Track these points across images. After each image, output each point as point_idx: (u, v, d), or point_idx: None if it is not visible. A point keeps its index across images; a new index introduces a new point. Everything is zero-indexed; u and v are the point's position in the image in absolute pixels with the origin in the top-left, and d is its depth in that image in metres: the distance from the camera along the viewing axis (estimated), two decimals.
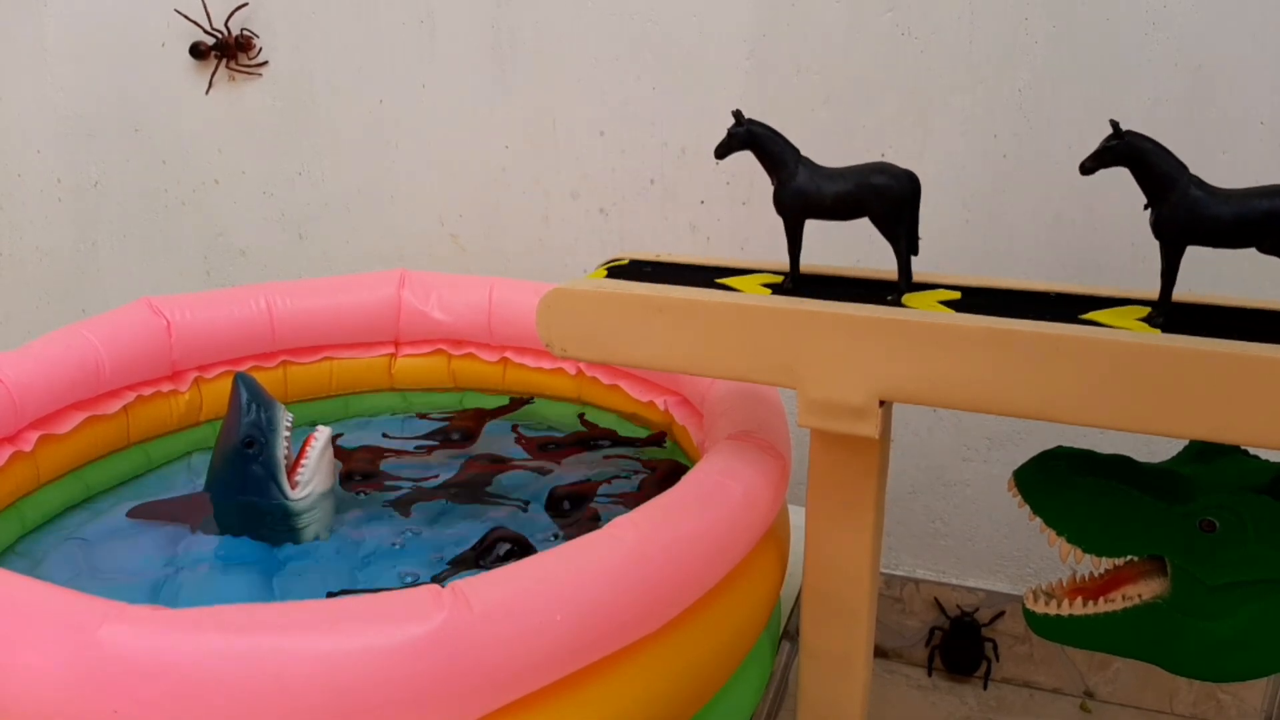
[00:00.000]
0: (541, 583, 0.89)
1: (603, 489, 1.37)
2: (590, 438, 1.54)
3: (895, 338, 1.00)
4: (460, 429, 1.55)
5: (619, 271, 1.20)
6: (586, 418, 1.60)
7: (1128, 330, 0.98)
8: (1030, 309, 1.04)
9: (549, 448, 1.51)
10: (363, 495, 1.37)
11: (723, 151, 1.15)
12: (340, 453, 1.48)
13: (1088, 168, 1.01)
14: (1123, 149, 0.99)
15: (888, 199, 1.09)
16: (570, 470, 1.43)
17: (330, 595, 1.16)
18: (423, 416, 1.61)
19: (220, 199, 2.03)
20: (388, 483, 1.39)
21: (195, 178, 2.03)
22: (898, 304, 1.07)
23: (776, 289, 1.13)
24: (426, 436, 1.53)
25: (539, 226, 1.85)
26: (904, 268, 1.12)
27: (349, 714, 0.81)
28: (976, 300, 1.09)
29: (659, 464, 1.43)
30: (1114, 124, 1.00)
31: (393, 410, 1.71)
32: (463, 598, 0.84)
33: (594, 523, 1.28)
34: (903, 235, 1.11)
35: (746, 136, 1.13)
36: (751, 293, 1.11)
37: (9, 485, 1.29)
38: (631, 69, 1.73)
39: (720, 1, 1.66)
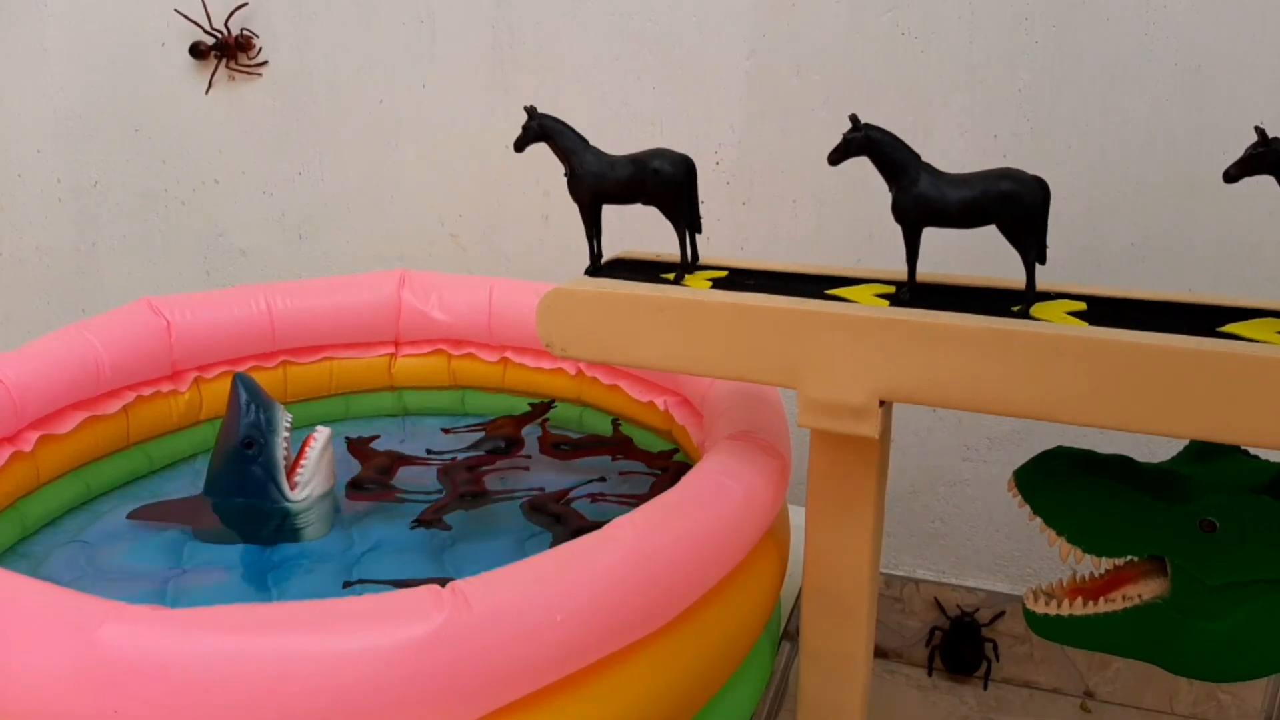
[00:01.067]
0: (541, 583, 0.89)
1: (601, 490, 1.38)
2: (603, 443, 1.53)
3: (895, 338, 1.00)
4: (503, 436, 1.52)
5: (722, 283, 1.16)
6: (621, 428, 1.58)
7: (1268, 343, 0.94)
8: (1162, 321, 1.00)
9: (562, 448, 1.50)
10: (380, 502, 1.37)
11: (837, 157, 1.10)
12: (361, 453, 1.48)
13: (1232, 175, 0.98)
14: (1272, 156, 0.96)
15: (1018, 207, 1.06)
16: (561, 475, 1.43)
17: (347, 585, 1.16)
18: (447, 431, 1.59)
19: (220, 199, 2.03)
20: (398, 495, 1.38)
21: (195, 178, 2.03)
22: (1026, 315, 1.03)
23: (893, 299, 1.09)
24: (472, 447, 1.51)
25: (539, 226, 1.85)
26: (1032, 278, 1.08)
27: (349, 714, 0.81)
28: (1104, 311, 1.05)
29: (671, 465, 1.43)
30: (1259, 130, 0.97)
31: (393, 411, 1.71)
32: (463, 598, 0.84)
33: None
34: (1033, 244, 1.07)
35: (864, 141, 1.09)
36: (866, 304, 1.07)
37: (9, 485, 1.29)
38: (631, 69, 1.73)
39: (720, 1, 1.66)
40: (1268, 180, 1.46)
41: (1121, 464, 1.07)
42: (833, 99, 1.64)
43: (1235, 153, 1.48)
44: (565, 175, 1.20)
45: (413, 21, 1.83)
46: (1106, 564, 1.04)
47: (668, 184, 1.16)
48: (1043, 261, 1.08)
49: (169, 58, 1.97)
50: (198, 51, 1.93)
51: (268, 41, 1.92)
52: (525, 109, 1.21)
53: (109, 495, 1.42)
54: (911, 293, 1.10)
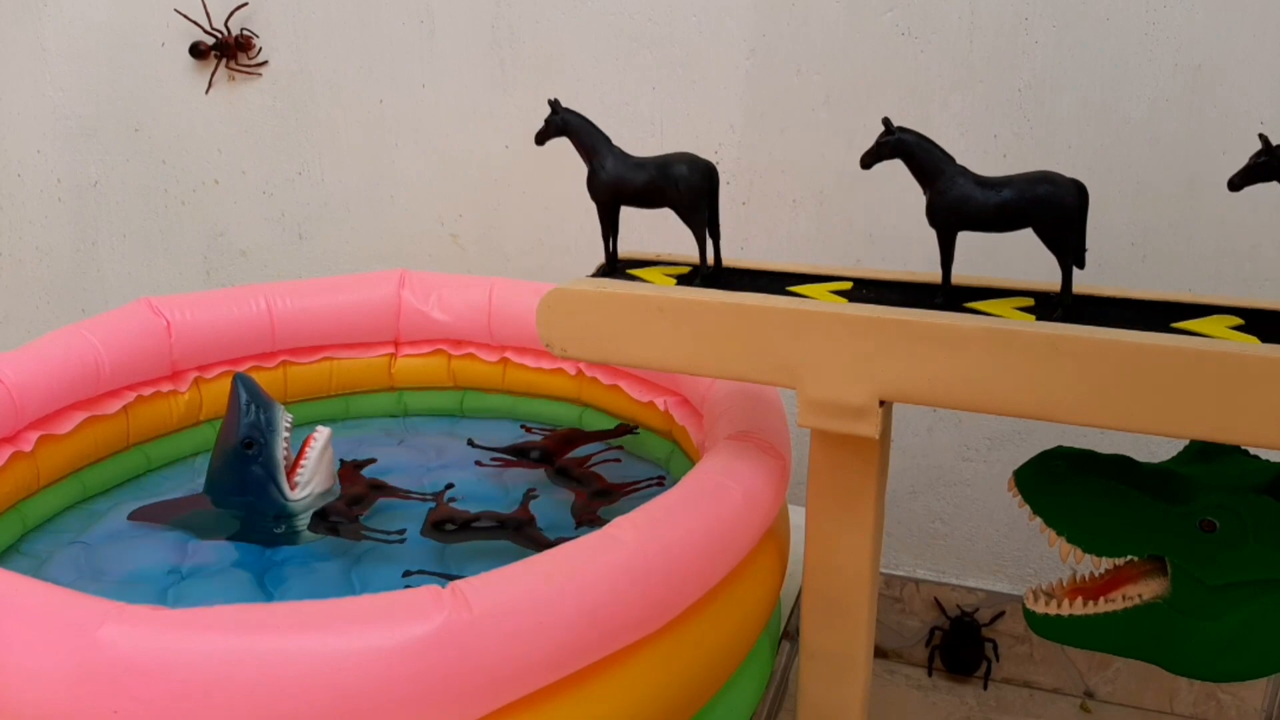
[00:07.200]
0: (541, 583, 0.89)
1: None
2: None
3: (895, 338, 1.00)
4: (542, 449, 1.48)
5: (685, 279, 1.19)
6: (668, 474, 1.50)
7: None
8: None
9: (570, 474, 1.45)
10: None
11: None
12: (345, 478, 1.40)
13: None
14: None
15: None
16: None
17: (407, 574, 1.16)
18: (528, 429, 1.56)
19: (220, 199, 2.03)
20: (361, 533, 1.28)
21: (195, 177, 2.03)
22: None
23: (682, 279, 1.15)
24: (506, 450, 1.48)
25: (539, 226, 1.85)
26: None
27: (349, 714, 0.81)
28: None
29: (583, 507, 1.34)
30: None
31: (392, 412, 1.71)
32: (463, 598, 0.84)
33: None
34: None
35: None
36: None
37: (9, 486, 1.29)
38: (631, 69, 1.73)
39: (720, 1, 1.66)
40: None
41: (1121, 464, 1.07)
42: (833, 99, 1.64)
43: (1235, 153, 1.49)
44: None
45: (412, 21, 1.83)
46: (1106, 564, 1.04)
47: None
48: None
49: (169, 58, 1.97)
50: (198, 51, 1.93)
51: (268, 41, 1.92)
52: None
53: (109, 495, 1.42)
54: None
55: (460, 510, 1.28)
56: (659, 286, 1.13)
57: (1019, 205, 1.02)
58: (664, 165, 1.16)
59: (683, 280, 1.17)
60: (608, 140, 1.19)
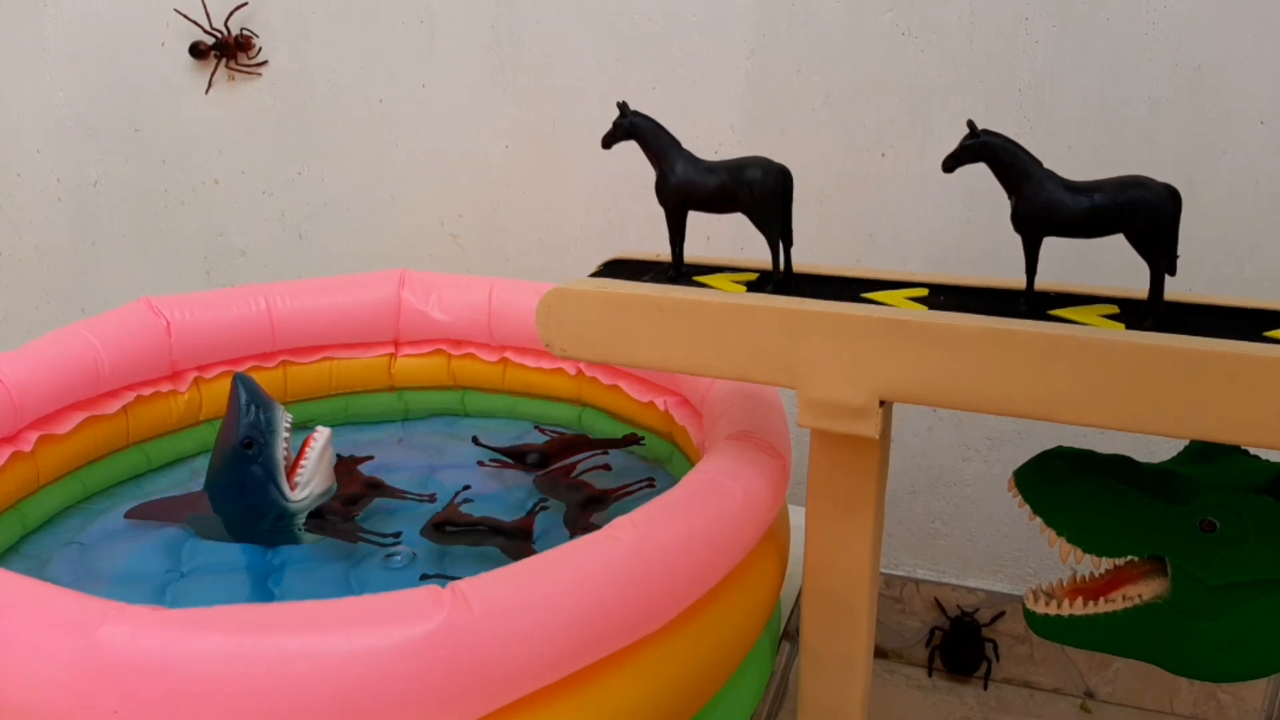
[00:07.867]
0: (541, 583, 0.89)
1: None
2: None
3: (895, 338, 1.00)
4: (540, 452, 1.46)
5: (755, 285, 1.16)
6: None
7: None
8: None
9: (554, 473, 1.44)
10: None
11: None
12: (342, 475, 1.38)
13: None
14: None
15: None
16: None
17: (424, 578, 1.15)
18: (541, 430, 1.55)
19: (220, 199, 2.03)
20: (357, 535, 1.28)
21: (195, 177, 2.03)
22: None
23: (927, 302, 1.10)
24: (505, 451, 1.47)
25: (539, 226, 1.85)
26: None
27: (349, 714, 0.81)
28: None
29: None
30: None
31: (392, 412, 1.70)
32: (462, 598, 0.84)
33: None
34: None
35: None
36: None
37: (9, 486, 1.29)
38: (631, 69, 1.73)
39: (720, 1, 1.66)
40: (1268, 179, 1.47)
41: (1121, 464, 1.07)
42: (833, 99, 1.64)
43: (1235, 153, 1.49)
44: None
45: (412, 21, 1.83)
46: (1106, 564, 1.04)
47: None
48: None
49: (169, 58, 1.97)
50: (197, 51, 1.93)
51: (268, 41, 1.92)
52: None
53: (109, 495, 1.42)
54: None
55: (464, 514, 1.28)
56: (659, 286, 1.13)
57: (1111, 210, 0.98)
58: (736, 169, 1.12)
59: (753, 287, 1.14)
60: (677, 143, 1.16)
